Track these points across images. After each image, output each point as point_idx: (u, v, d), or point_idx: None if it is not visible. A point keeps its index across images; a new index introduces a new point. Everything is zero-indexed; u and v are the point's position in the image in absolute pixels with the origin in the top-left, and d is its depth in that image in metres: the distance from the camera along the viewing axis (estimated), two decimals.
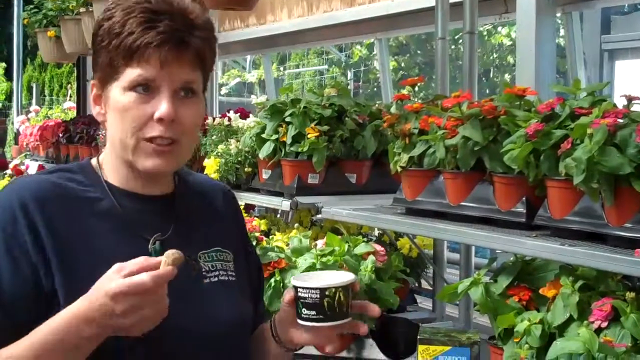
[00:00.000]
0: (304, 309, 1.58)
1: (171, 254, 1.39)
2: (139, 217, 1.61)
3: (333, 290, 1.56)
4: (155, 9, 1.53)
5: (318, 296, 1.56)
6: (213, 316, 1.61)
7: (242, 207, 3.47)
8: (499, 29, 12.34)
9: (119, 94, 1.54)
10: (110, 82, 1.56)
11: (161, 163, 1.55)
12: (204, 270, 1.64)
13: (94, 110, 1.63)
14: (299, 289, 1.59)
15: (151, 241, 1.58)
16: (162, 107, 1.52)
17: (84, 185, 1.60)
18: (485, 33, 12.14)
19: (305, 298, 1.58)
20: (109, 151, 1.63)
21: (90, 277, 1.46)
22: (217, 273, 1.66)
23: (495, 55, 13.58)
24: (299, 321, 1.60)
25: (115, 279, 1.37)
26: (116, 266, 1.39)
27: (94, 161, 1.66)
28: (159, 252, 1.55)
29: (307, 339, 1.66)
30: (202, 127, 3.93)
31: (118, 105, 1.54)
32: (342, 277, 1.64)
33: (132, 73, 1.52)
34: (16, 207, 1.51)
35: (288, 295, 1.63)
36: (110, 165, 1.63)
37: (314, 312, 1.57)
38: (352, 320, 1.62)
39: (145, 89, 1.53)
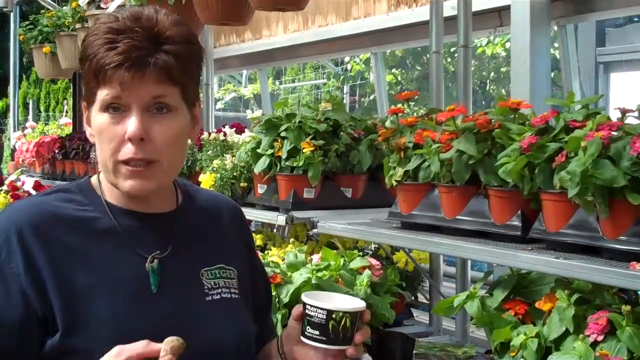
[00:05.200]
0: (308, 327, 1.57)
1: (170, 341, 1.37)
2: (137, 234, 1.59)
3: (340, 314, 1.54)
4: (119, 27, 1.51)
5: (324, 317, 1.55)
6: (215, 334, 1.59)
7: None
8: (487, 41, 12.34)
9: (96, 115, 1.54)
10: (91, 104, 1.56)
11: (138, 184, 1.53)
12: (206, 287, 1.63)
13: (86, 131, 1.63)
14: (307, 306, 1.57)
15: (148, 259, 1.57)
16: (129, 125, 1.50)
17: (82, 205, 1.59)
18: (479, 45, 12.15)
19: (311, 316, 1.56)
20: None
21: (90, 298, 1.48)
22: (219, 290, 1.64)
23: (490, 66, 13.60)
24: (302, 338, 1.59)
25: None
26: (116, 349, 1.38)
27: (93, 179, 1.66)
28: (156, 271, 1.56)
29: (310, 359, 1.63)
30: (196, 142, 3.93)
31: (96, 127, 1.55)
32: (354, 303, 1.62)
33: (101, 94, 1.52)
34: (11, 233, 1.51)
35: (297, 310, 1.61)
36: (107, 184, 1.62)
37: (317, 332, 1.56)
38: (354, 347, 1.58)
39: (115, 108, 1.52)
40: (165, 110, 1.53)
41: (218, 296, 1.63)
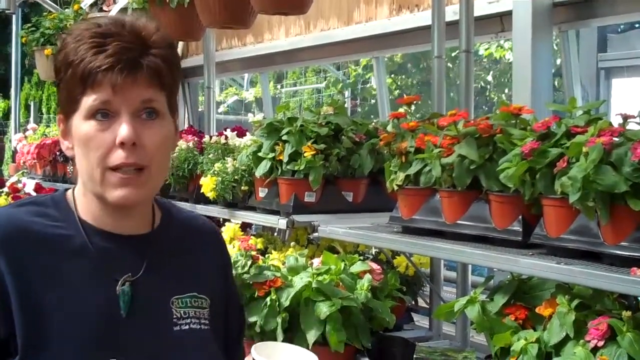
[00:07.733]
0: None
1: None
2: (110, 256, 1.54)
3: None
4: (104, 31, 1.47)
5: None
6: None
7: (238, 226, 3.48)
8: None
9: (80, 124, 1.49)
10: (72, 114, 1.51)
11: (130, 193, 1.49)
12: (175, 316, 1.57)
13: (62, 145, 1.58)
14: None
15: (120, 282, 1.52)
16: (121, 130, 1.45)
17: (54, 220, 1.54)
18: (487, 48, 12.12)
19: None
20: (80, 186, 1.58)
21: (55, 319, 1.44)
22: (188, 320, 1.58)
23: (496, 70, 13.58)
24: None
25: None
26: None
27: (69, 193, 1.60)
28: (127, 294, 1.51)
29: None
30: (197, 145, 3.93)
31: (81, 136, 1.49)
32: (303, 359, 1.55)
33: (88, 100, 1.47)
34: None
35: None
36: (82, 201, 1.57)
37: None
38: None
39: (103, 114, 1.47)
40: (155, 116, 1.50)
41: (187, 327, 1.57)
